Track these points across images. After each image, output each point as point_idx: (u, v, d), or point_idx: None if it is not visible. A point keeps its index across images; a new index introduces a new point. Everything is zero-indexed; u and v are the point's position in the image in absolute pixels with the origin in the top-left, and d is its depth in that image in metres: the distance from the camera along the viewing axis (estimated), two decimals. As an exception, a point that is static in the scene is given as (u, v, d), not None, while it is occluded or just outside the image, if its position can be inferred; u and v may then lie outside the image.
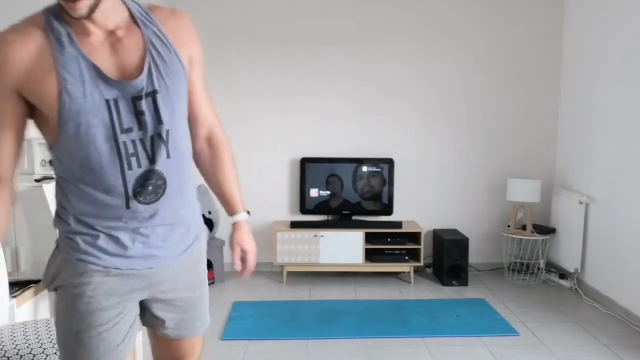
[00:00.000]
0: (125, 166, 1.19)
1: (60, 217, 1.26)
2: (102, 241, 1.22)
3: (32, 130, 1.24)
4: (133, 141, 1.19)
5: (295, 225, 3.95)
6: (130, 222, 1.22)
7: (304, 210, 4.15)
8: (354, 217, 4.16)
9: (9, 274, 2.01)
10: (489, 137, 4.25)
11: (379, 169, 4.12)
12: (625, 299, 3.28)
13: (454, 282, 3.92)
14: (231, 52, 4.11)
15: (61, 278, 1.24)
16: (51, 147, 1.23)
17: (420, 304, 3.53)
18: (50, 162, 1.32)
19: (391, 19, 4.13)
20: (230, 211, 1.51)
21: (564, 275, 3.93)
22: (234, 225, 1.51)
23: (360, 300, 3.61)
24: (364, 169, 4.12)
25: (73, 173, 1.21)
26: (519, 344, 2.92)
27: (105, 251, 1.22)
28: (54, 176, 1.30)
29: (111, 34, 1.18)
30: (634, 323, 3.15)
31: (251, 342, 2.93)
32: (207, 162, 1.46)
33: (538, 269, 4.05)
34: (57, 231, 1.29)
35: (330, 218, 4.19)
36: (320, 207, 4.15)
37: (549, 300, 3.63)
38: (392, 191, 4.14)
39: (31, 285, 2.06)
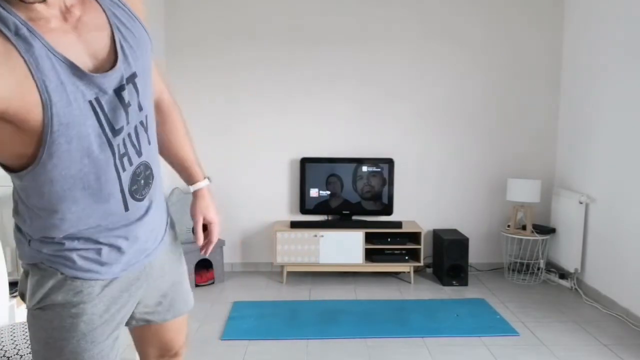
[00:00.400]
0: (120, 170, 1.05)
1: (41, 242, 1.08)
2: (104, 254, 1.10)
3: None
4: (123, 139, 1.04)
5: (295, 225, 3.95)
6: (129, 224, 1.13)
7: (304, 210, 4.15)
8: (354, 217, 4.16)
9: (9, 274, 2.01)
10: (489, 137, 4.25)
11: (379, 169, 4.12)
12: (625, 299, 3.28)
13: (454, 282, 3.92)
14: (231, 52, 4.11)
15: (53, 298, 1.09)
16: (19, 173, 0.99)
17: (420, 304, 3.53)
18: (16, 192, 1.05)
19: (391, 19, 4.13)
20: (190, 179, 1.38)
21: (564, 275, 3.93)
22: (196, 194, 1.38)
23: (360, 300, 3.61)
24: (364, 169, 4.12)
25: (60, 199, 1.01)
26: (519, 344, 2.91)
27: (103, 263, 1.11)
28: (21, 209, 1.09)
29: (68, 13, 0.96)
30: (634, 323, 3.15)
31: (251, 342, 2.93)
32: (158, 128, 1.29)
33: (538, 269, 4.05)
34: (29, 249, 1.11)
35: (330, 218, 4.19)
36: (320, 207, 4.15)
37: (549, 300, 3.63)
38: (392, 191, 4.14)
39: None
